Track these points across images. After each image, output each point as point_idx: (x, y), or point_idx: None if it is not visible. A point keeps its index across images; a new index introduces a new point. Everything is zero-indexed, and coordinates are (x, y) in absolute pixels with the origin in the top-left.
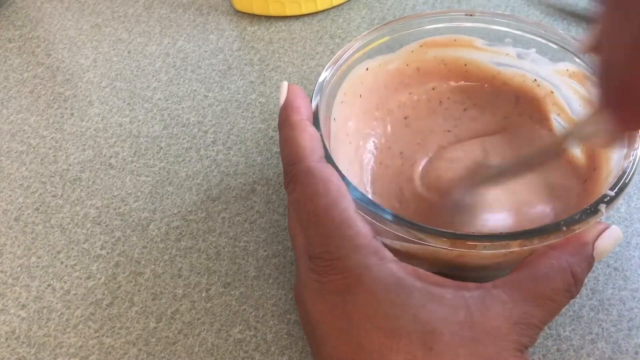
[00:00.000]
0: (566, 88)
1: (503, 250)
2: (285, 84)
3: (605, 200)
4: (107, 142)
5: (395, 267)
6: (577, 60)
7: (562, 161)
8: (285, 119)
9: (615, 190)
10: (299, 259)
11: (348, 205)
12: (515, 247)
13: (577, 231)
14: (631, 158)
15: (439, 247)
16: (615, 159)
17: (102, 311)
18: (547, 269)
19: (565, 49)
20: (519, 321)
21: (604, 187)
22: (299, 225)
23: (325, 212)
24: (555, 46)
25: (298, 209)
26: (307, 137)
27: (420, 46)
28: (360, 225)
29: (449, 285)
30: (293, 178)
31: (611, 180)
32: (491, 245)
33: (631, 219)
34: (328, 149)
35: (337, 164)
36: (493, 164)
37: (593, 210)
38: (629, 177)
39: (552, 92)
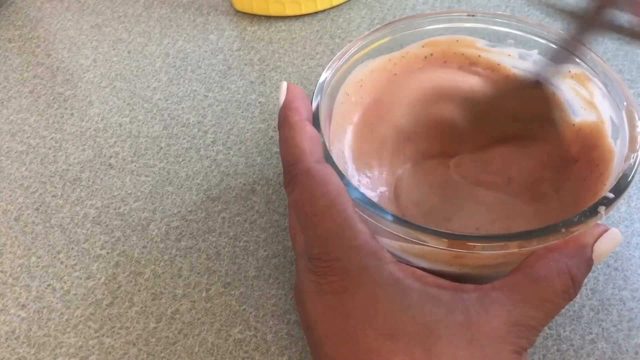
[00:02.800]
0: (568, 89)
1: (502, 252)
2: (284, 84)
3: (605, 202)
4: (107, 142)
5: (393, 268)
6: (579, 61)
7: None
8: (284, 119)
9: (615, 192)
10: (299, 259)
11: (347, 206)
12: (514, 249)
13: (576, 233)
14: (631, 161)
15: (438, 247)
16: (616, 161)
17: (102, 311)
18: (545, 271)
19: (567, 50)
20: (517, 323)
21: (604, 189)
22: (298, 226)
23: (323, 213)
24: (553, 45)
25: (297, 210)
26: (307, 137)
27: (423, 46)
28: (359, 226)
29: (447, 286)
30: (292, 179)
31: (611, 182)
32: (490, 246)
33: (631, 219)
34: (328, 149)
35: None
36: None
37: (592, 212)
38: (629, 179)
39: (554, 94)
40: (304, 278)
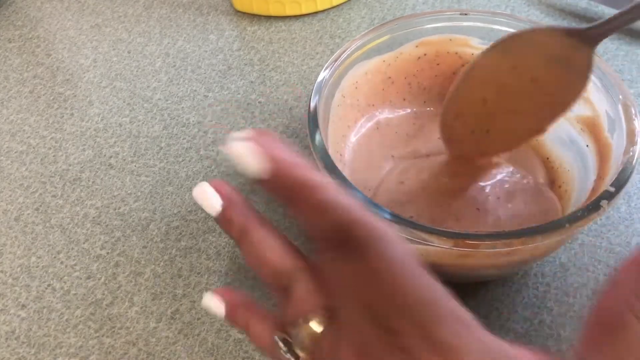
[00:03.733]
0: None
1: (506, 249)
2: (243, 145)
3: (606, 196)
4: (107, 142)
5: (488, 337)
6: None
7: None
8: (302, 183)
9: (616, 186)
10: (353, 329)
11: (424, 268)
12: (518, 245)
13: (579, 228)
14: (630, 154)
15: (441, 246)
16: (614, 155)
17: (102, 311)
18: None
19: None
20: None
21: (604, 183)
22: (364, 297)
23: (408, 279)
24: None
25: (373, 279)
26: (340, 191)
27: (417, 46)
28: (442, 289)
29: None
30: (360, 242)
31: (611, 176)
32: (494, 244)
33: (631, 218)
34: (327, 151)
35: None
36: None
37: (595, 207)
38: (629, 172)
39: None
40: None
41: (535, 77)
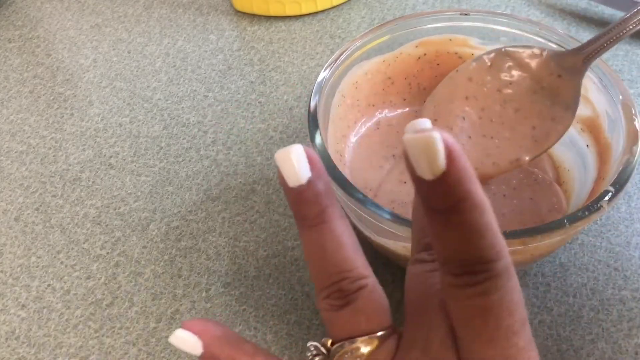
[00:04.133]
0: None
1: None
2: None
3: (607, 196)
4: (107, 142)
5: None
6: None
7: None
8: (470, 198)
9: (616, 186)
10: None
11: None
12: (518, 245)
13: (579, 228)
14: (630, 154)
15: None
16: (614, 155)
17: (102, 311)
18: None
19: (562, 47)
20: None
21: (604, 183)
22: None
23: (523, 320)
24: (553, 45)
25: (507, 309)
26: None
27: (416, 47)
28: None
29: None
30: (495, 277)
31: (611, 176)
32: None
33: (631, 218)
34: (327, 151)
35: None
36: None
37: (595, 207)
38: (629, 172)
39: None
40: None
41: (519, 108)
